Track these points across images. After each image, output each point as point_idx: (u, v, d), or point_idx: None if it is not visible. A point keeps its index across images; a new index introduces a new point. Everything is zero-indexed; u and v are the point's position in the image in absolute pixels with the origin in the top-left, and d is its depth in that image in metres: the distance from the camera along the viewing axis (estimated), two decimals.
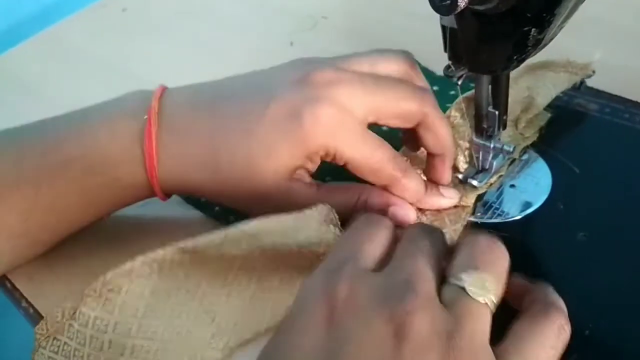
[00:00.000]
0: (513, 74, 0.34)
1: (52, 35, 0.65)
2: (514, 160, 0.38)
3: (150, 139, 0.33)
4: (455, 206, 0.36)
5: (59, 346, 0.30)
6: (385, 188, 0.34)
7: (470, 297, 0.24)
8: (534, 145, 0.39)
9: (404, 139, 0.37)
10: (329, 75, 0.33)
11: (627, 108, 0.40)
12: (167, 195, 0.36)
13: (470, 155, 0.37)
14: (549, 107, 0.40)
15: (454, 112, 0.38)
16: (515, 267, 0.27)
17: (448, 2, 0.26)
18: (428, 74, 0.45)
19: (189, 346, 0.30)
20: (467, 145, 0.37)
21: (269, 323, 0.30)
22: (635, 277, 0.31)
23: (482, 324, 0.24)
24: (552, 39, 0.30)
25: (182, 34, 0.61)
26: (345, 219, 0.31)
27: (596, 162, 0.37)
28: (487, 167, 0.37)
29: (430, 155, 0.35)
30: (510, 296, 0.27)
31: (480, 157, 0.36)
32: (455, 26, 0.30)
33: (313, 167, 0.34)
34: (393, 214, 0.33)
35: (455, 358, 0.22)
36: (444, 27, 0.31)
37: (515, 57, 0.30)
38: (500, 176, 0.37)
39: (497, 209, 0.36)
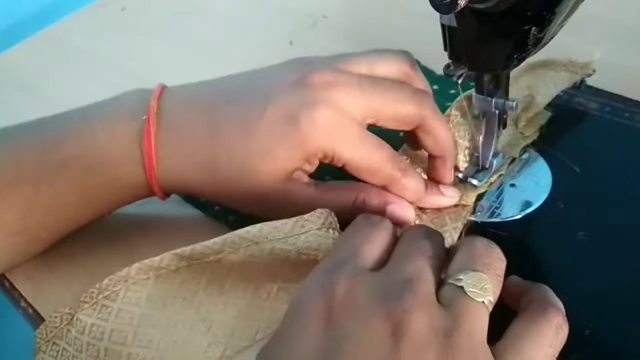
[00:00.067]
0: (514, 72, 0.34)
1: (52, 35, 0.64)
2: (514, 159, 0.38)
3: (149, 140, 0.33)
4: (456, 205, 0.36)
5: (57, 351, 0.30)
6: (385, 188, 0.34)
7: (469, 296, 0.24)
8: (534, 145, 0.39)
9: (404, 138, 0.37)
10: (326, 77, 0.33)
11: (627, 107, 0.40)
12: (166, 194, 0.36)
13: (471, 155, 0.37)
14: (549, 106, 0.40)
15: (454, 111, 0.38)
16: (515, 267, 0.27)
17: (448, 0, 0.26)
18: (428, 73, 0.45)
19: (185, 355, 0.30)
20: (468, 144, 0.37)
21: (266, 332, 0.30)
22: (636, 276, 0.31)
23: (480, 323, 0.24)
24: (552, 38, 0.30)
25: (181, 33, 0.61)
26: (344, 218, 0.31)
27: (596, 161, 0.37)
28: (487, 166, 0.37)
29: (431, 156, 0.35)
30: (508, 297, 0.27)
31: (481, 156, 0.36)
32: (455, 25, 0.30)
33: (311, 168, 0.34)
34: (391, 213, 0.33)
35: (454, 356, 0.22)
36: (443, 26, 0.31)
37: (515, 56, 0.30)
38: (501, 175, 0.37)
39: (497, 208, 0.36)
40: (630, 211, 0.34)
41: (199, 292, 0.31)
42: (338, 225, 0.31)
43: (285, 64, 0.36)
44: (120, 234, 0.38)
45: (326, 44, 0.53)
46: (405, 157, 0.36)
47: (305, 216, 0.30)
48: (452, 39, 0.31)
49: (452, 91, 0.43)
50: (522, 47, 0.29)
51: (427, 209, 0.35)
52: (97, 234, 0.38)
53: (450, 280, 0.25)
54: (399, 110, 0.33)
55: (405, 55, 0.36)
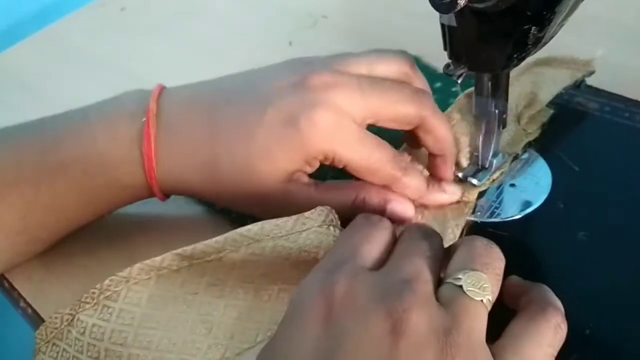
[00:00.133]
0: (517, 70, 0.34)
1: (51, 34, 0.64)
2: (516, 157, 0.38)
3: (149, 141, 0.33)
4: (457, 202, 0.36)
5: (57, 352, 0.30)
6: (386, 187, 0.34)
7: (467, 295, 0.24)
8: (534, 145, 0.39)
9: (404, 137, 0.37)
10: (325, 78, 0.33)
11: (627, 107, 0.40)
12: (166, 195, 0.36)
13: (471, 154, 0.37)
14: (551, 103, 0.40)
15: (456, 109, 0.38)
16: (515, 267, 0.27)
17: (447, 0, 0.26)
18: (430, 71, 0.45)
19: (185, 356, 0.29)
20: (470, 142, 0.37)
21: (266, 334, 0.30)
22: (636, 276, 0.31)
23: (479, 322, 0.24)
24: (552, 38, 0.30)
25: (181, 33, 0.61)
26: (344, 217, 0.31)
27: (596, 161, 0.37)
28: (487, 165, 0.36)
29: (432, 155, 0.35)
30: (508, 296, 0.27)
31: (480, 156, 0.36)
32: (454, 24, 0.30)
33: (311, 169, 0.34)
34: (392, 210, 0.33)
35: (453, 355, 0.22)
36: (443, 26, 0.31)
37: (515, 56, 0.30)
38: (502, 172, 0.37)
39: (497, 208, 0.36)
40: (630, 211, 0.34)
41: (199, 292, 0.31)
42: (339, 222, 0.31)
43: (284, 65, 0.35)
44: (120, 234, 0.38)
45: (326, 44, 0.53)
46: (407, 154, 0.36)
47: (306, 214, 0.30)
48: (452, 38, 0.31)
49: (454, 89, 0.43)
50: (522, 46, 0.29)
51: (429, 205, 0.35)
52: (97, 234, 0.38)
53: (449, 280, 0.25)
54: (398, 111, 0.33)
55: (405, 55, 0.36)
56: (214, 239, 0.30)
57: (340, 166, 0.33)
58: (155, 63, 0.56)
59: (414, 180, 0.34)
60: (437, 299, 0.24)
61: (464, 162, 0.37)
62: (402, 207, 0.34)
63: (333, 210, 0.31)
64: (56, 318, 0.30)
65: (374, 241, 0.27)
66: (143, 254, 0.31)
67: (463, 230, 0.34)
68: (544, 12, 0.27)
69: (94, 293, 0.30)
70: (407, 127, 0.34)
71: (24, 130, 0.36)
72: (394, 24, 0.55)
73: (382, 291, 0.24)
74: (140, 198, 0.36)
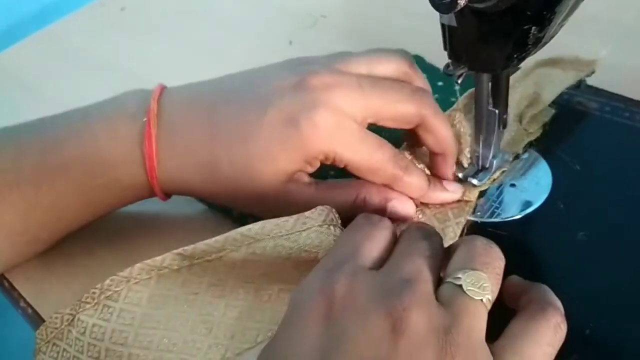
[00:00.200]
0: (520, 73, 0.34)
1: (51, 34, 0.64)
2: (517, 156, 0.38)
3: (150, 142, 0.33)
4: (459, 200, 0.36)
5: (58, 352, 0.30)
6: (388, 186, 0.34)
7: (467, 295, 0.24)
8: (534, 145, 0.39)
9: (405, 136, 0.37)
10: (325, 78, 0.33)
11: (627, 107, 0.40)
12: (167, 195, 0.36)
13: (471, 154, 0.37)
14: (553, 103, 0.40)
15: (458, 109, 0.38)
16: (515, 267, 0.27)
17: (448, 0, 0.26)
18: (432, 69, 0.45)
19: (185, 357, 0.30)
20: (470, 141, 0.37)
21: (267, 334, 0.30)
22: (636, 276, 0.31)
23: (479, 322, 0.24)
24: (552, 38, 0.30)
25: (181, 33, 0.61)
26: (345, 216, 0.31)
27: (596, 161, 0.37)
28: (487, 166, 0.36)
29: (432, 153, 0.36)
30: (508, 296, 0.27)
31: (480, 156, 0.36)
32: (455, 24, 0.30)
33: (312, 169, 0.34)
34: (392, 209, 0.34)
35: (452, 354, 0.22)
36: (443, 26, 0.31)
37: (515, 56, 0.30)
38: (504, 171, 0.37)
39: (497, 208, 0.36)
40: (630, 211, 0.34)
41: (200, 292, 0.31)
42: (340, 221, 0.31)
43: (283, 65, 0.35)
44: (120, 233, 0.38)
45: (326, 44, 0.53)
46: (408, 153, 0.36)
47: (307, 213, 0.30)
48: (452, 38, 0.31)
49: (457, 87, 0.43)
50: (522, 46, 0.29)
51: (430, 204, 0.35)
52: (97, 234, 0.38)
53: (449, 279, 0.25)
54: (398, 110, 0.33)
55: (404, 54, 0.36)
56: (214, 239, 0.30)
57: (341, 166, 0.33)
58: (155, 63, 0.57)
59: (415, 179, 0.34)
60: (437, 298, 0.24)
61: (465, 162, 0.37)
62: (403, 206, 0.34)
63: (333, 210, 0.31)
64: (56, 318, 0.30)
65: (375, 241, 0.27)
66: (143, 253, 0.31)
67: (463, 229, 0.34)
68: (544, 12, 0.27)
69: (94, 293, 0.30)
70: (407, 126, 0.34)
71: (24, 130, 0.36)
72: (394, 24, 0.55)
73: (382, 290, 0.24)
74: (141, 198, 0.36)
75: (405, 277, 0.24)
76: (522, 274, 0.28)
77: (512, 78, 0.34)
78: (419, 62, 0.46)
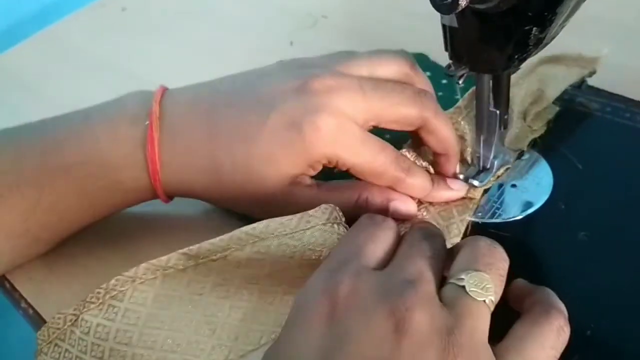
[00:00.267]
0: (523, 70, 0.34)
1: (52, 35, 0.64)
2: (521, 154, 0.38)
3: (152, 145, 0.33)
4: (463, 198, 0.36)
5: (59, 352, 0.30)
6: (391, 188, 0.34)
7: (470, 296, 0.24)
8: (535, 145, 0.39)
9: (410, 134, 0.37)
10: (328, 82, 0.33)
11: (628, 107, 0.40)
12: (169, 197, 0.36)
13: (472, 154, 0.37)
14: (557, 100, 0.40)
15: (461, 108, 0.38)
16: (516, 267, 0.27)
17: (449, 1, 0.26)
18: (436, 68, 0.45)
19: (189, 358, 0.30)
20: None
21: (270, 336, 0.30)
22: (637, 277, 0.31)
23: (482, 323, 0.24)
24: (553, 38, 0.30)
25: (181, 33, 0.61)
26: (347, 217, 0.31)
27: (597, 161, 0.37)
28: (487, 166, 0.36)
29: (435, 153, 0.36)
30: (512, 298, 0.27)
31: (481, 157, 0.36)
32: (456, 25, 0.30)
33: (314, 172, 0.34)
34: (394, 209, 0.34)
35: (455, 354, 0.22)
36: (444, 26, 0.31)
37: (516, 57, 0.30)
38: (507, 169, 0.37)
39: (498, 208, 0.36)
40: (631, 211, 0.34)
41: (205, 293, 0.31)
42: (344, 219, 0.31)
43: (284, 66, 0.35)
44: (121, 233, 0.38)
45: (326, 44, 0.53)
46: (412, 151, 0.36)
47: (310, 212, 0.30)
48: (453, 39, 0.31)
49: (461, 85, 0.43)
50: (523, 47, 0.29)
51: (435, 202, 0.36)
52: (99, 234, 0.38)
53: (452, 280, 0.25)
54: (400, 113, 0.33)
55: (405, 55, 0.36)
56: (218, 238, 0.30)
57: (344, 169, 0.33)
58: (156, 63, 0.56)
59: (418, 180, 0.34)
60: (440, 299, 0.24)
61: (470, 160, 0.37)
62: (405, 206, 0.34)
63: (337, 208, 0.31)
64: (59, 318, 0.30)
65: (378, 241, 0.27)
66: (145, 254, 0.31)
67: (467, 228, 0.34)
68: (545, 13, 0.27)
69: (99, 293, 0.30)
70: (409, 129, 0.34)
71: (24, 132, 0.36)
72: (394, 24, 0.55)
73: (385, 291, 0.24)
74: (143, 200, 0.36)
75: (408, 277, 0.24)
76: (523, 275, 0.28)
77: (515, 75, 0.34)
78: (423, 59, 0.46)
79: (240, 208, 0.36)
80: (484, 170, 0.37)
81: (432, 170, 0.36)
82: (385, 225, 0.28)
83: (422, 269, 0.25)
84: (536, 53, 0.30)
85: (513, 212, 0.35)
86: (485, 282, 0.25)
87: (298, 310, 0.25)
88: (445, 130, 0.34)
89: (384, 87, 0.33)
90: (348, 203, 0.33)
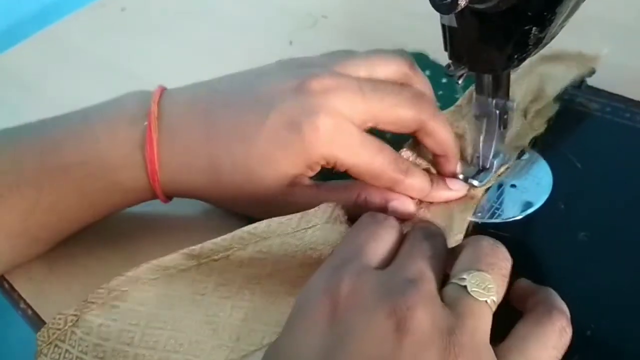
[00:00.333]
0: (524, 68, 0.34)
1: (52, 35, 0.64)
2: (522, 152, 0.38)
3: (151, 146, 0.33)
4: (463, 197, 0.36)
5: (59, 353, 0.30)
6: (391, 189, 0.34)
7: (472, 296, 0.24)
8: (537, 143, 0.39)
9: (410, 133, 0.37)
10: (326, 82, 0.33)
11: (627, 107, 0.40)
12: (168, 198, 0.36)
13: (472, 154, 0.37)
14: (558, 99, 0.40)
15: (464, 104, 0.38)
16: (516, 267, 0.27)
17: (448, 0, 0.26)
18: (436, 66, 0.45)
19: (190, 358, 0.29)
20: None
21: (272, 337, 0.30)
22: (637, 277, 0.31)
23: (483, 323, 0.24)
24: (553, 38, 0.30)
25: (181, 33, 0.61)
26: (348, 216, 0.31)
27: (597, 161, 0.37)
28: (487, 166, 0.36)
29: (434, 155, 0.36)
30: (515, 298, 0.27)
31: (481, 157, 0.36)
32: (455, 25, 0.30)
33: (313, 173, 0.34)
34: (393, 209, 0.34)
35: (456, 354, 0.22)
36: (444, 26, 0.31)
37: (515, 57, 0.30)
38: (508, 167, 0.37)
39: (497, 209, 0.36)
40: (631, 211, 0.34)
41: (207, 293, 0.31)
42: (346, 217, 0.31)
43: (282, 66, 0.35)
44: (121, 233, 0.38)
45: (326, 44, 0.53)
46: (412, 150, 0.36)
47: (310, 211, 0.31)
48: (452, 39, 0.31)
49: (460, 84, 0.43)
50: (523, 47, 0.29)
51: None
52: (98, 234, 0.38)
53: (454, 280, 0.25)
54: (398, 115, 0.33)
55: (404, 55, 0.36)
56: (220, 237, 0.30)
57: (343, 170, 0.33)
58: (155, 63, 0.56)
59: (416, 181, 0.34)
60: (442, 299, 0.24)
61: (469, 160, 0.37)
62: (403, 206, 0.34)
63: (339, 206, 0.31)
64: (59, 319, 0.30)
65: (380, 240, 0.27)
66: (145, 254, 0.31)
67: (468, 227, 0.34)
68: (545, 13, 0.27)
69: (100, 293, 0.30)
70: (407, 131, 0.34)
71: (24, 132, 0.36)
72: (394, 24, 0.55)
73: (386, 290, 0.24)
74: (143, 200, 0.36)
75: (409, 276, 0.25)
76: (523, 275, 0.28)
77: (516, 74, 0.34)
78: (423, 59, 0.46)
79: (239, 208, 0.36)
80: (484, 169, 0.37)
81: (433, 170, 0.36)
82: (387, 223, 0.28)
83: (423, 268, 0.25)
84: (536, 53, 0.30)
85: (513, 212, 0.35)
86: (487, 282, 0.25)
87: (299, 309, 0.25)
88: (443, 133, 0.34)
89: (382, 88, 0.33)
90: (347, 203, 0.33)
